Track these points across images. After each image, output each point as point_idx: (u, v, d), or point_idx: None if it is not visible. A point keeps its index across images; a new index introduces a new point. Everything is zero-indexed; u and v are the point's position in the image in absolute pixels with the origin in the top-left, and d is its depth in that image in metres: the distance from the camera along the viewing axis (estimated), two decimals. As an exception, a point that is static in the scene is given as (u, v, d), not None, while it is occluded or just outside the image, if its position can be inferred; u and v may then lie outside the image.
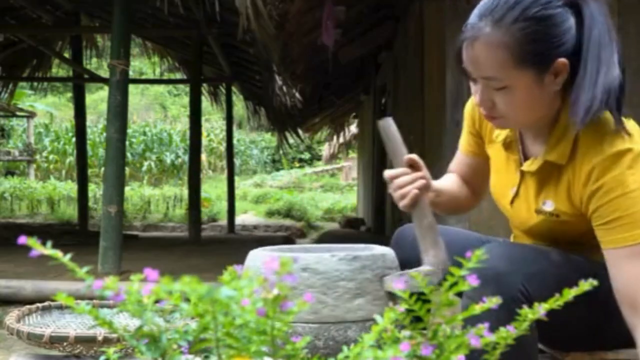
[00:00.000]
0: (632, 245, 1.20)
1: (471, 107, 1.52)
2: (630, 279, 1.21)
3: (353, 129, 14.68)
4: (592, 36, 1.17)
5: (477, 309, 0.82)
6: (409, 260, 1.37)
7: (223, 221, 9.96)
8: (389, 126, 1.30)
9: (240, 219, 10.37)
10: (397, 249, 1.41)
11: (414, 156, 1.28)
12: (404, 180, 1.25)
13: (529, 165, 1.34)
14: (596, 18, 1.17)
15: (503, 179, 1.45)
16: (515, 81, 1.18)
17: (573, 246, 1.35)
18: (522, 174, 1.37)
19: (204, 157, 17.08)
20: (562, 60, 1.17)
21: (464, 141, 1.56)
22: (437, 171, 1.61)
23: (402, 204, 1.25)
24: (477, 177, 1.56)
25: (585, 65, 1.17)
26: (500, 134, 1.41)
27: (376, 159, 8.15)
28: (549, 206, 1.33)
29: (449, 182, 1.57)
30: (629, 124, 1.25)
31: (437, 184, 1.45)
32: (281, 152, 11.66)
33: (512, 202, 1.41)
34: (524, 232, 1.45)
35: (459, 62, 1.25)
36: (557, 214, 1.32)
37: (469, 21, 1.23)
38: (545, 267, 1.26)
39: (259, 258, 1.34)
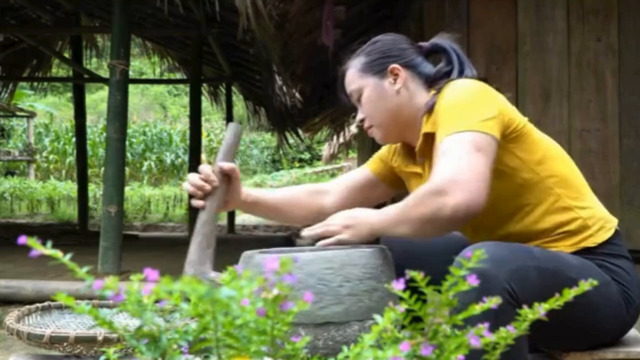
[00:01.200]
0: (458, 131, 1.33)
1: (379, 158, 1.74)
2: (447, 165, 1.30)
3: (353, 129, 14.67)
4: (459, 62, 1.52)
5: (478, 309, 0.82)
6: (397, 262, 1.44)
7: (223, 221, 9.97)
8: (237, 132, 1.50)
9: (240, 219, 10.36)
10: None
11: (229, 169, 1.50)
12: (195, 187, 1.46)
13: (417, 149, 1.52)
14: (457, 50, 1.54)
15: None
16: (364, 87, 1.54)
17: (497, 216, 1.46)
18: (422, 174, 1.55)
19: (204, 157, 17.07)
20: (394, 65, 1.51)
21: (374, 162, 1.74)
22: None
23: (195, 201, 1.46)
24: (362, 194, 1.71)
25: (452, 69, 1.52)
26: (402, 163, 1.63)
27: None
28: None
29: (288, 192, 1.72)
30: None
31: (258, 193, 1.65)
32: (281, 152, 11.66)
33: None
34: None
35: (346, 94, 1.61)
36: None
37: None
38: (527, 262, 1.30)
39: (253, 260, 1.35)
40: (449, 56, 1.54)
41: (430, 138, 1.47)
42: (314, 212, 1.69)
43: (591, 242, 1.43)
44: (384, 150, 1.73)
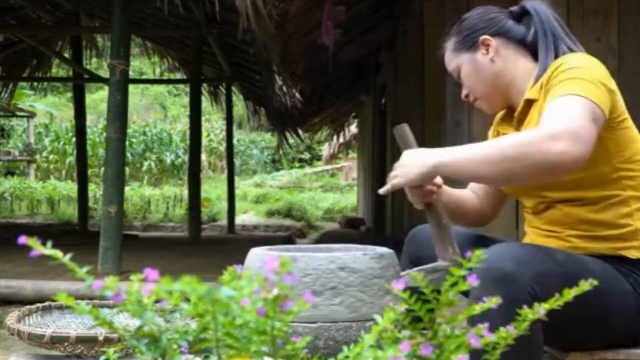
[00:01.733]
0: (577, 94, 1.32)
1: (491, 130, 1.74)
2: (563, 113, 1.28)
3: (353, 129, 14.68)
4: (541, 24, 1.54)
5: (478, 309, 0.82)
6: (422, 257, 1.52)
7: (223, 221, 9.96)
8: (405, 133, 1.45)
9: (240, 219, 10.36)
10: (411, 247, 1.60)
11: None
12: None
13: (516, 113, 1.55)
14: (542, 13, 1.55)
15: None
16: (461, 65, 1.60)
17: (568, 191, 1.44)
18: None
19: (204, 157, 17.07)
20: (484, 37, 1.56)
21: None
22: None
23: (417, 206, 1.45)
24: (491, 196, 1.71)
25: (540, 44, 1.53)
26: (501, 125, 1.66)
27: (376, 158, 8.15)
28: None
29: (458, 190, 1.70)
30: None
31: (446, 187, 1.60)
32: (281, 152, 11.66)
33: None
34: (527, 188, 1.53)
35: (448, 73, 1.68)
36: None
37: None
38: (551, 266, 1.28)
39: (259, 258, 1.34)
40: (532, 20, 1.56)
41: (530, 104, 1.49)
42: (477, 213, 1.70)
43: (631, 254, 1.41)
44: (490, 133, 1.75)
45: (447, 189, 1.60)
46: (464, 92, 1.63)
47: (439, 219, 1.40)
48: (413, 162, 1.35)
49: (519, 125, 1.54)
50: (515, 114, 1.54)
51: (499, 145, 1.28)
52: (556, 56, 1.48)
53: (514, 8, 1.60)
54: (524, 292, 1.20)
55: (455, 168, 1.31)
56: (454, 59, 1.62)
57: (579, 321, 1.31)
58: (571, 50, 1.48)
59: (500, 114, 1.66)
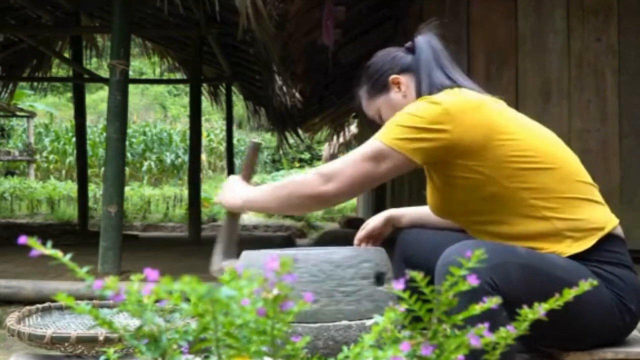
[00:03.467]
0: (377, 138, 1.49)
1: None
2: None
3: (353, 129, 14.67)
4: (418, 60, 1.67)
5: (478, 309, 0.82)
6: (413, 256, 1.63)
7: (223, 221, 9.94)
8: (253, 151, 1.72)
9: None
10: (403, 247, 1.71)
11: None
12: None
13: None
14: (421, 47, 1.68)
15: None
16: (380, 108, 1.71)
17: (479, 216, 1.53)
18: None
19: (204, 157, 17.07)
20: (393, 76, 1.68)
21: None
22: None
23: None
24: None
25: (417, 76, 1.66)
26: None
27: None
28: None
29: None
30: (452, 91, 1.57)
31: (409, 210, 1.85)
32: (281, 152, 11.66)
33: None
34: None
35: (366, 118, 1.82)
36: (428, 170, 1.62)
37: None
38: (509, 258, 1.35)
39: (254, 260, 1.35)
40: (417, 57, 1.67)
41: None
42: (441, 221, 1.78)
43: (567, 253, 1.44)
44: None
45: (411, 211, 1.84)
46: None
47: (234, 229, 1.75)
48: (229, 195, 1.68)
49: None
50: None
51: (280, 186, 1.55)
52: (430, 86, 1.60)
53: (408, 44, 1.74)
54: (481, 282, 1.25)
55: (253, 205, 1.64)
56: (372, 105, 1.73)
57: (553, 317, 1.32)
58: (442, 85, 1.57)
59: None
